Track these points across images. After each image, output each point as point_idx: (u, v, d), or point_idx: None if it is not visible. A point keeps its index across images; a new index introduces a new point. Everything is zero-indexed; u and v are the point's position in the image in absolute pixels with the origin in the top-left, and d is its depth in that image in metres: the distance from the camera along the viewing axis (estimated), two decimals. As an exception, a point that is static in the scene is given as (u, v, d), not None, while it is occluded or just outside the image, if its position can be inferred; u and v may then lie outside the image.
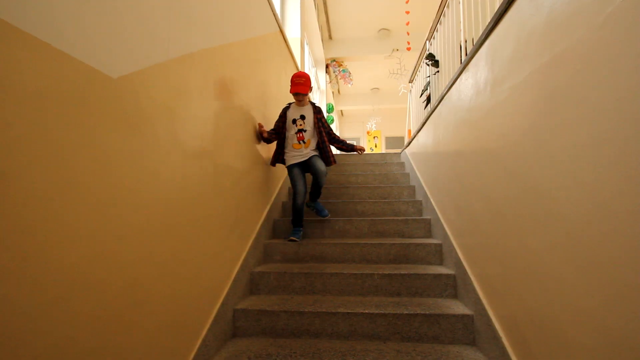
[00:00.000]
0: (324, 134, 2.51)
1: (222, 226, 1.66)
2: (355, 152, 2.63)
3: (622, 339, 0.74)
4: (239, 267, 1.86)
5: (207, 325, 1.44)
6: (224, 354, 1.53)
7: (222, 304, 1.60)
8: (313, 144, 2.52)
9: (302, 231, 2.52)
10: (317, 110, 2.53)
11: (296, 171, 2.48)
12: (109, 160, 0.88)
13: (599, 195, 0.81)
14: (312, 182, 2.56)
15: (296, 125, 2.48)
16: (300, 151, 2.48)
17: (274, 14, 2.90)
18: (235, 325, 1.75)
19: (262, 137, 2.41)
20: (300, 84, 2.41)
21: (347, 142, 2.59)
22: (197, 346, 1.34)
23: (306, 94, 2.43)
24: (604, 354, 0.80)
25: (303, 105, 2.51)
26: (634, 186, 0.71)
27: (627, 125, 0.73)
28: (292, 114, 2.51)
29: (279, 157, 2.56)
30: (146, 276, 1.03)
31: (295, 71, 4.01)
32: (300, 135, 2.48)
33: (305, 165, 2.52)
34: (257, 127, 2.35)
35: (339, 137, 2.61)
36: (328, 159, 2.51)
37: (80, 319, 0.78)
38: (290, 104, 2.58)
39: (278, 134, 2.53)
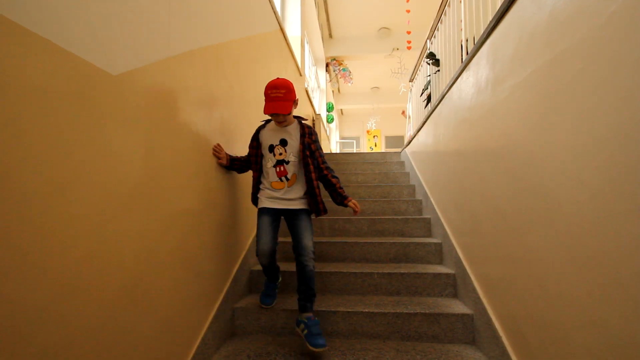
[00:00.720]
0: (313, 169, 1.64)
1: (222, 224, 1.66)
2: (344, 206, 1.70)
3: (623, 339, 0.74)
4: (239, 266, 1.86)
5: (207, 324, 1.44)
6: (224, 352, 1.53)
7: (222, 303, 1.60)
8: (301, 181, 1.67)
9: (278, 286, 1.82)
10: (306, 132, 1.68)
11: (266, 219, 1.63)
12: (109, 158, 0.87)
13: (601, 194, 0.81)
14: (297, 268, 1.60)
15: (274, 155, 1.66)
16: (282, 192, 1.65)
17: (275, 12, 2.89)
18: (234, 323, 1.74)
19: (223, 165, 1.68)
20: (279, 100, 1.56)
21: (342, 189, 1.71)
22: (196, 344, 1.34)
23: (288, 114, 1.60)
24: (605, 354, 0.80)
25: (285, 125, 1.68)
26: (636, 185, 0.71)
27: (629, 124, 0.72)
28: (268, 138, 1.69)
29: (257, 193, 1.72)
30: (146, 274, 1.02)
31: (295, 70, 3.97)
32: (281, 169, 1.65)
33: (286, 217, 1.70)
34: (215, 151, 1.60)
35: (333, 175, 1.72)
36: (317, 205, 1.66)
37: (79, 317, 0.77)
38: (266, 121, 1.78)
39: (249, 163, 1.76)
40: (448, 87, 2.15)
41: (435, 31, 2.94)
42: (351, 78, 8.12)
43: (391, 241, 2.31)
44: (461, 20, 2.20)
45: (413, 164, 3.42)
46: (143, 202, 1.02)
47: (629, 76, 0.73)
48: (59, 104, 0.73)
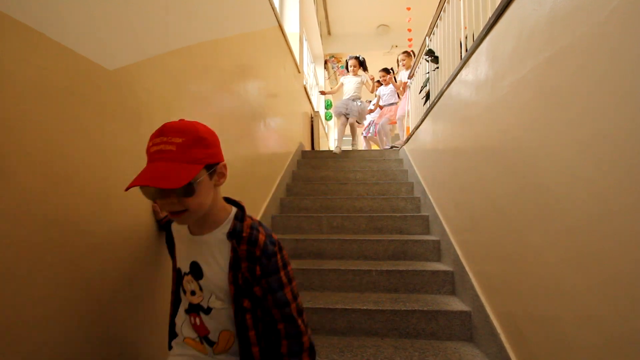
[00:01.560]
0: (255, 338, 0.75)
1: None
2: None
3: (622, 337, 0.74)
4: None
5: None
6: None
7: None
8: (233, 343, 0.77)
9: None
10: (242, 255, 0.74)
11: None
12: (105, 153, 0.86)
13: (600, 191, 0.80)
14: None
15: (185, 292, 0.80)
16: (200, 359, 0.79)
17: (273, 8, 2.87)
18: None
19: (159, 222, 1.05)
20: (163, 158, 0.64)
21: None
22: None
23: (190, 195, 0.66)
24: (602, 350, 0.80)
25: (199, 228, 0.78)
26: (636, 183, 0.70)
27: (629, 121, 0.72)
28: (179, 251, 0.84)
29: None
30: (144, 272, 1.02)
31: (293, 67, 3.94)
32: (197, 321, 0.78)
33: None
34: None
35: (294, 334, 0.74)
36: None
37: (76, 315, 0.76)
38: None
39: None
40: (447, 84, 2.14)
41: (435, 28, 2.93)
42: (350, 75, 8.08)
43: (389, 238, 2.31)
44: (461, 17, 2.19)
45: (412, 161, 3.42)
46: (137, 201, 1.01)
47: (629, 73, 0.72)
48: (54, 98, 0.72)
